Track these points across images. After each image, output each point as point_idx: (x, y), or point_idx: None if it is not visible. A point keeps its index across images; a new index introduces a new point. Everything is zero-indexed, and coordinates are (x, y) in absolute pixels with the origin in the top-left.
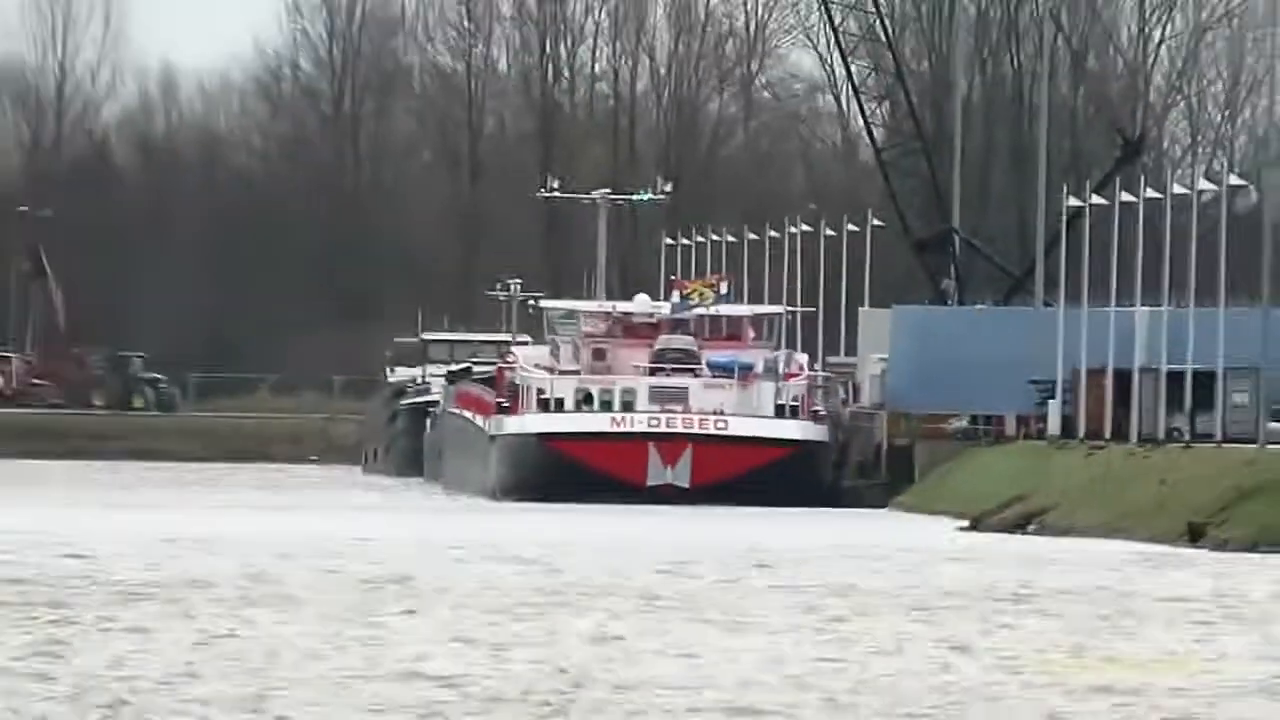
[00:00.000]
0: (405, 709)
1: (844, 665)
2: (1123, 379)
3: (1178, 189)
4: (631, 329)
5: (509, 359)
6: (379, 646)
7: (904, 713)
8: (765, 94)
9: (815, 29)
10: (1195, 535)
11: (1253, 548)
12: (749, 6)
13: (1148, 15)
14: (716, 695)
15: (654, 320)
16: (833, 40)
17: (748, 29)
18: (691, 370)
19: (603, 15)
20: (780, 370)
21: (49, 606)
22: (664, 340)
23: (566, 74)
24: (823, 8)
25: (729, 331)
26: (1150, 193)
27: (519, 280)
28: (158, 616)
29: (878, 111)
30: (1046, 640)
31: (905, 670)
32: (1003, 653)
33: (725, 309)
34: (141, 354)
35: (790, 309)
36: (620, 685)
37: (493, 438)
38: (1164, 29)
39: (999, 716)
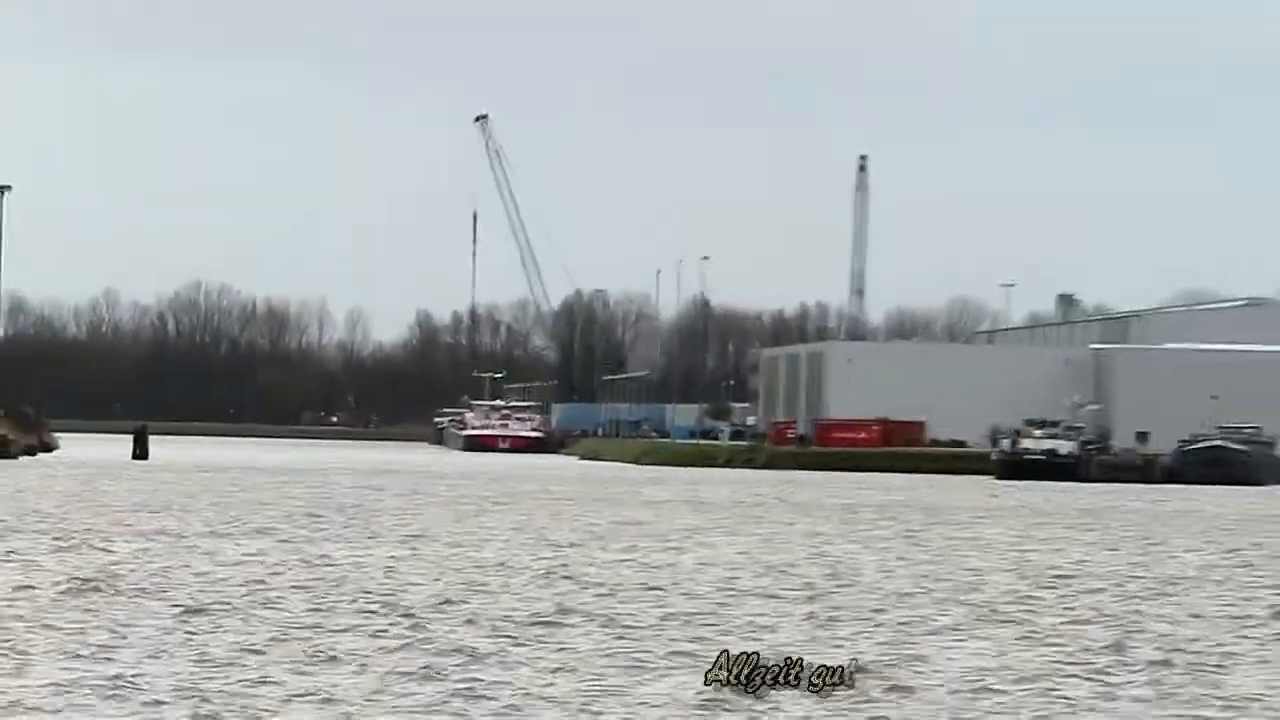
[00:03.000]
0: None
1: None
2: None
3: None
4: (494, 408)
5: (465, 416)
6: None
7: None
8: (529, 348)
9: (547, 354)
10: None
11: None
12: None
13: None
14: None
15: (500, 406)
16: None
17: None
18: (510, 418)
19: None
20: (534, 418)
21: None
22: (503, 411)
23: (485, 345)
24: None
25: (520, 408)
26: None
27: (468, 396)
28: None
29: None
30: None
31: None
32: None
33: (519, 403)
34: (374, 416)
35: (537, 403)
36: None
37: (458, 435)
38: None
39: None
